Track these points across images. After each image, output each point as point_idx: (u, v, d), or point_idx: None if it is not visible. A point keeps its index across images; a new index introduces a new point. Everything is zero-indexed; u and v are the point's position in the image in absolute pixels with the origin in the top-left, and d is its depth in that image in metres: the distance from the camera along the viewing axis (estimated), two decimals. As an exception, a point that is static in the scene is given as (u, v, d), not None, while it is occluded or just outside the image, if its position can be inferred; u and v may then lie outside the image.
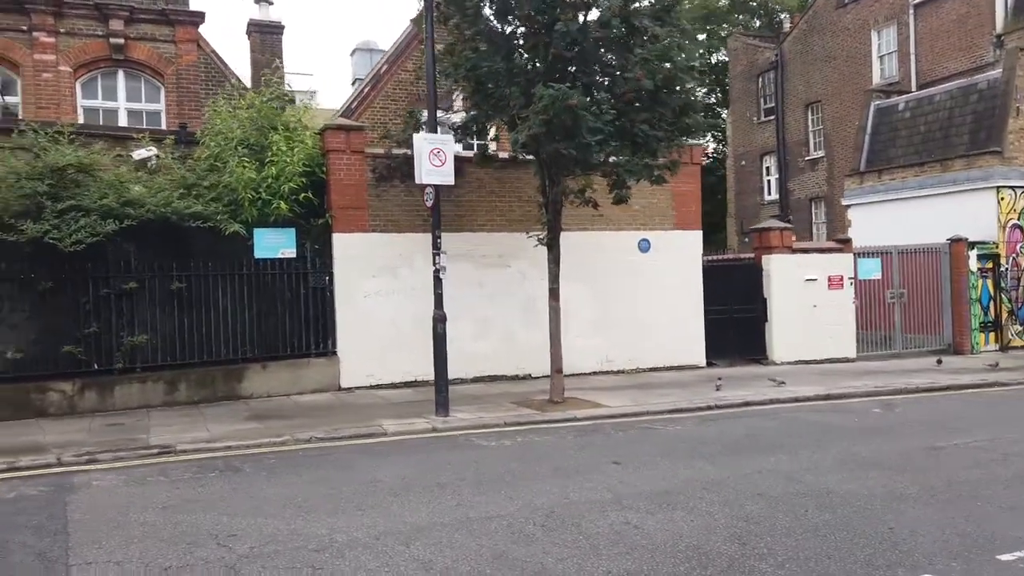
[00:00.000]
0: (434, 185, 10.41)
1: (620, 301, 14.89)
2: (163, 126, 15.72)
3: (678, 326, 15.31)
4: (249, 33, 24.29)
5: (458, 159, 13.49)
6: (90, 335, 11.00)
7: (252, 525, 5.63)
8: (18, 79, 15.20)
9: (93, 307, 11.06)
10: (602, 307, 14.80)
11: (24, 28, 15.06)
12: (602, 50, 9.39)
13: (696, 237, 15.71)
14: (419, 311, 13.47)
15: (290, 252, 12.58)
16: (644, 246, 15.23)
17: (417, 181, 10.48)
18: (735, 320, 16.16)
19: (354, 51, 29.86)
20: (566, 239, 14.37)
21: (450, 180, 10.50)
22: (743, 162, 33.62)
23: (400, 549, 5.07)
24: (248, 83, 19.13)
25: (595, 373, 14.62)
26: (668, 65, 9.45)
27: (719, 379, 13.02)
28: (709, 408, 11.12)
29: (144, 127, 14.39)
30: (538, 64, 9.66)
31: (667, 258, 15.35)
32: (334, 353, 12.92)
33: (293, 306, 12.59)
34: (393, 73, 18.67)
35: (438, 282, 10.61)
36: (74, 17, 15.38)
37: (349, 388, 12.98)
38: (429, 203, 10.63)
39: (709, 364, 15.68)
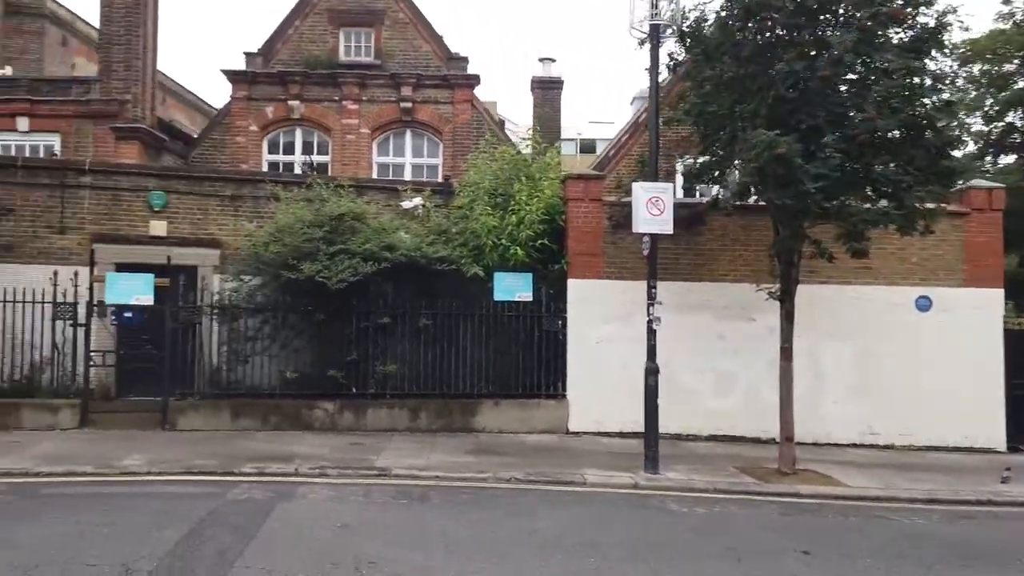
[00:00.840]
0: (652, 234, 10.14)
1: (889, 365, 13.05)
2: (439, 178, 17.47)
3: (968, 400, 12.94)
4: (532, 89, 26.18)
5: (696, 206, 13.15)
6: (350, 362, 12.48)
7: (396, 556, 5.92)
8: (329, 141, 18.01)
9: (355, 338, 12.54)
10: (865, 371, 13.10)
11: (336, 99, 17.85)
12: (829, 90, 8.41)
13: (995, 296, 13.23)
14: (651, 360, 13.19)
15: (526, 295, 13.07)
16: (923, 304, 13.21)
17: (634, 230, 10.32)
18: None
19: (633, 99, 30.51)
20: (822, 293, 13.17)
21: (668, 229, 10.16)
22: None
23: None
24: (529, 134, 20.50)
25: (853, 445, 12.93)
26: (924, 103, 8.18)
27: (1008, 469, 10.71)
28: (979, 503, 9.19)
29: (417, 180, 16.12)
30: (760, 107, 8.99)
31: (954, 319, 13.13)
32: (563, 396, 13.08)
33: (526, 347, 13.04)
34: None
35: (651, 333, 10.27)
36: (374, 87, 17.86)
37: (576, 432, 13.02)
38: (646, 252, 10.40)
39: (1013, 449, 12.98)
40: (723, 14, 9.24)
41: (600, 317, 13.25)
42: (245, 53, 18.13)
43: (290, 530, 6.54)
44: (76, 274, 11.94)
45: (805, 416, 13.15)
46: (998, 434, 13.04)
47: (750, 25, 8.99)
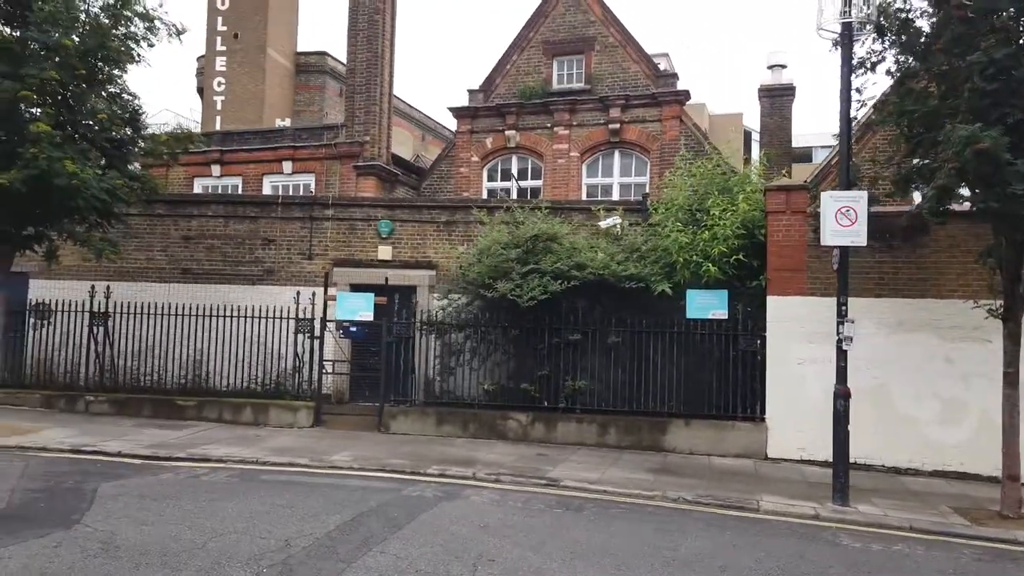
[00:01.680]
0: (843, 247, 9.41)
1: None
2: (653, 198, 17.53)
3: None
4: (760, 97, 25.15)
5: (915, 215, 11.83)
6: (542, 376, 13.03)
7: (517, 555, 6.25)
8: (542, 166, 18.91)
9: (547, 353, 13.07)
10: None
11: (548, 125, 18.73)
12: None
13: None
14: (861, 384, 12.00)
15: (721, 313, 12.67)
16: None
17: (822, 242, 9.64)
18: None
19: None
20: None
21: (861, 241, 9.33)
22: None
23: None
24: (757, 146, 19.82)
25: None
26: None
27: None
28: None
29: (610, 199, 16.35)
30: (960, 102, 7.92)
31: None
32: (762, 419, 12.44)
33: (720, 367, 12.62)
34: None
35: (841, 354, 9.50)
36: (583, 111, 18.47)
37: (776, 458, 12.30)
38: (835, 266, 9.64)
39: None
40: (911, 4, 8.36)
41: (802, 336, 12.43)
42: (468, 90, 19.74)
43: (435, 525, 7.14)
44: (314, 294, 13.87)
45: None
46: None
47: (940, 13, 8.04)
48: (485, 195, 18.99)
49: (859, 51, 10.00)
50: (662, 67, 21.46)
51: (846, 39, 9.52)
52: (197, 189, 19.68)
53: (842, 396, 9.42)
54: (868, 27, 9.49)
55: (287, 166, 18.56)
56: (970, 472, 11.50)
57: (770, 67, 25.56)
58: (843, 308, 9.50)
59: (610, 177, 18.44)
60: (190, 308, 14.39)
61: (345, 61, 18.90)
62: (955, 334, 11.77)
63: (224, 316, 14.22)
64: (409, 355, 13.68)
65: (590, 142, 18.34)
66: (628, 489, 9.45)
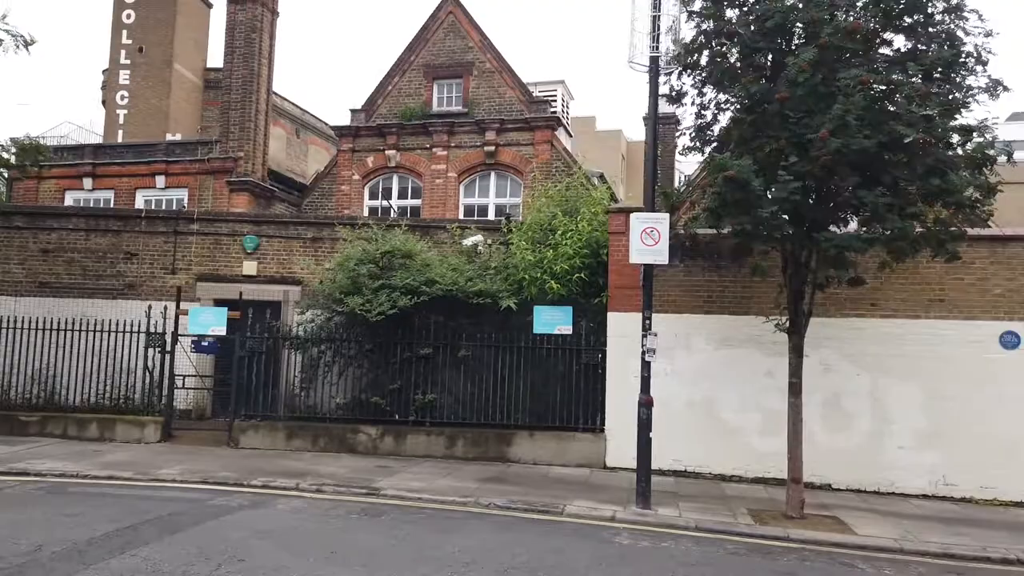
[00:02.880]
0: (646, 264, 10.03)
1: (967, 409, 11.65)
2: (520, 217, 18.07)
3: (1067, 451, 11.20)
4: (645, 125, 26.17)
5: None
6: (394, 390, 13.27)
7: (269, 557, 6.54)
8: (421, 185, 19.29)
9: (399, 367, 13.33)
10: (938, 414, 11.78)
11: (428, 146, 19.15)
12: (789, 112, 7.91)
13: (1103, 331, 11.40)
14: (693, 396, 12.77)
15: (566, 329, 13.19)
16: (1010, 341, 11.69)
17: (630, 260, 10.24)
18: None
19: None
20: (886, 328, 12.11)
21: (663, 259, 9.97)
22: None
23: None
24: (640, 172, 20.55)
25: (923, 496, 11.62)
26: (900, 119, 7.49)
27: (1074, 531, 9.19)
28: (1004, 561, 8.02)
29: (468, 219, 16.83)
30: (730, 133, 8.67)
31: (1049, 358, 11.48)
32: (602, 431, 12.95)
33: (565, 380, 13.11)
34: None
35: (645, 365, 10.08)
36: (461, 133, 18.97)
37: (614, 468, 12.80)
38: (641, 283, 10.25)
39: None
40: (690, 43, 9.11)
41: (639, 351, 12.99)
42: (351, 110, 20.02)
43: (214, 531, 7.28)
44: (165, 308, 13.80)
45: (865, 462, 12.08)
46: (1108, 493, 11.13)
47: (708, 51, 8.80)
48: (366, 212, 19.21)
49: (675, 83, 10.74)
50: (559, 94, 22.25)
51: (653, 72, 10.22)
52: (68, 202, 19.29)
53: (645, 405, 9.98)
54: (674, 63, 10.20)
55: (160, 180, 18.41)
56: (785, 478, 12.22)
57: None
58: (647, 322, 10.09)
59: (486, 197, 18.95)
60: (39, 322, 14.11)
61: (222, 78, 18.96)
62: (775, 349, 12.46)
63: (74, 330, 13.99)
64: (267, 370, 13.71)
65: (467, 163, 18.83)
66: (446, 496, 9.75)
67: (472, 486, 10.53)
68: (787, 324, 9.93)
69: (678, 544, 7.97)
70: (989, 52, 8.87)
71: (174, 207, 18.12)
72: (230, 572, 5.99)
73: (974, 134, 8.92)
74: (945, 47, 8.61)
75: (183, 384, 13.91)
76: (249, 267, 15.54)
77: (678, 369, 12.88)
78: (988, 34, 8.59)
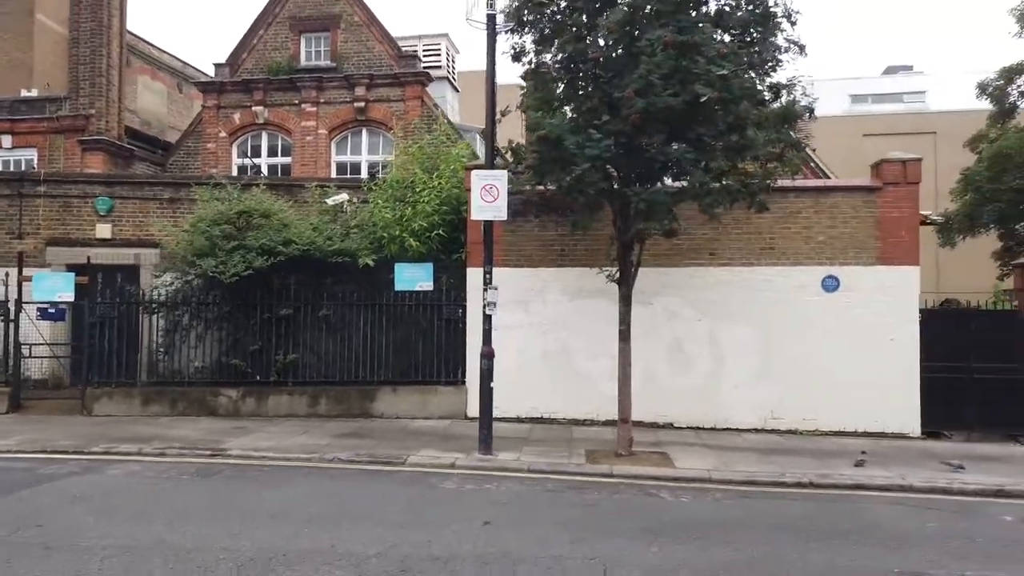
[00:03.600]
0: (486, 220, 10.32)
1: (794, 349, 12.60)
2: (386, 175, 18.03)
3: (880, 383, 12.31)
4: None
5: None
6: (254, 351, 13.25)
7: (73, 521, 6.57)
8: (292, 143, 18.93)
9: (259, 328, 13.29)
10: (769, 354, 12.69)
11: (296, 102, 18.75)
12: (600, 71, 8.29)
13: (910, 274, 12.49)
14: (548, 346, 13.29)
15: (427, 285, 13.41)
16: (830, 285, 12.65)
17: (471, 217, 10.51)
18: (979, 382, 12.38)
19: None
20: (723, 276, 12.89)
21: (503, 216, 10.29)
22: None
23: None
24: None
25: (754, 430, 12.57)
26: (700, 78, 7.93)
27: (863, 452, 10.26)
28: (798, 485, 8.88)
29: (342, 176, 16.73)
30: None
31: (864, 299, 12.52)
32: (463, 383, 13.36)
33: (427, 335, 13.39)
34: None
35: (486, 318, 10.43)
36: (331, 89, 18.64)
37: (475, 418, 13.17)
38: (482, 238, 10.56)
39: (930, 435, 12.31)
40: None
41: (499, 305, 13.42)
42: (214, 64, 19.30)
43: (25, 500, 7.27)
44: (7, 275, 13.22)
45: (704, 401, 12.95)
46: (912, 419, 12.34)
47: (538, 9, 9.03)
48: (235, 171, 18.72)
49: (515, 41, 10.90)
50: (443, 47, 21.99)
51: (491, 30, 10.35)
52: (-96, 164, 17.97)
53: (486, 356, 10.35)
54: (509, 19, 10.35)
55: (6, 140, 17.37)
56: (636, 419, 12.92)
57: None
58: (487, 276, 10.42)
59: (359, 155, 18.78)
60: None
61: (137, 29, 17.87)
62: (624, 298, 13.16)
63: (-92, 301, 13.25)
64: (120, 336, 13.38)
65: (338, 120, 18.57)
66: (292, 453, 9.94)
67: (324, 442, 10.75)
68: (616, 275, 10.43)
69: (501, 485, 8.46)
70: (796, 12, 9.46)
71: (23, 168, 17.17)
72: (25, 537, 6.03)
73: (783, 92, 9.56)
74: (756, 8, 9.11)
75: (31, 353, 13.44)
76: (103, 230, 15.00)
77: (534, 320, 13.37)
78: None
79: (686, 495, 8.24)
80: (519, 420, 13.11)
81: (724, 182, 9.09)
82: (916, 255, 12.58)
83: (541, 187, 11.05)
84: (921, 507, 7.95)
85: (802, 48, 9.79)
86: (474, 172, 10.41)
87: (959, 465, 9.81)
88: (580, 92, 8.65)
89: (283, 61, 18.85)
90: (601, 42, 8.26)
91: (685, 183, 9.28)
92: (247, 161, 18.59)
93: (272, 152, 19.08)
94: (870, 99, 50.38)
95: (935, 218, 15.61)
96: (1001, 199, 21.08)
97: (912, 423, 12.36)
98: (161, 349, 13.56)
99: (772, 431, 12.54)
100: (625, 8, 8.07)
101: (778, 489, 8.84)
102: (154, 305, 13.38)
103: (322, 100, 18.58)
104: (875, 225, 12.61)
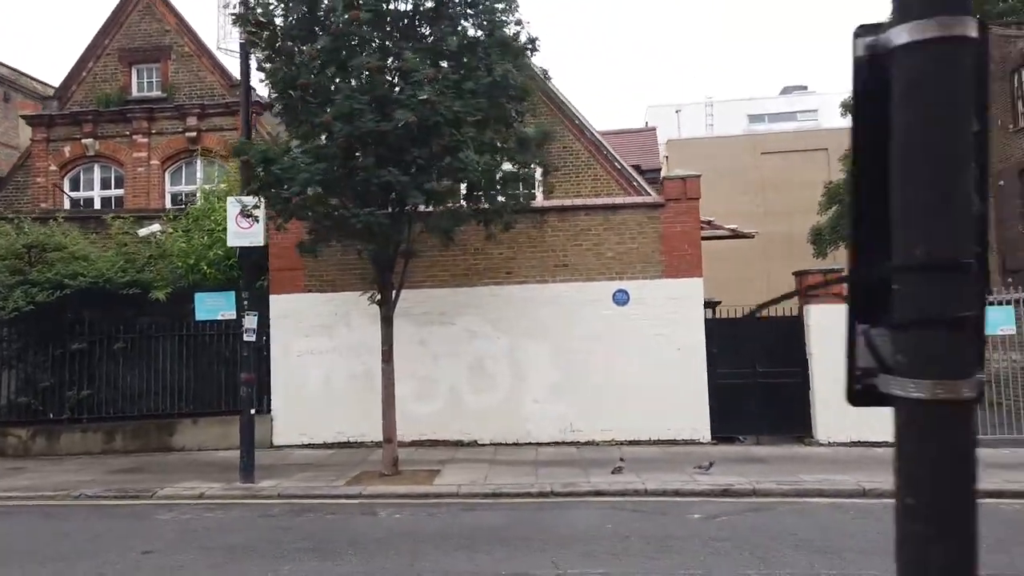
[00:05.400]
0: (242, 247, 10.33)
1: (589, 362, 12.93)
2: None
3: (671, 392, 12.71)
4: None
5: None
6: (45, 388, 12.87)
7: None
8: (124, 174, 18.59)
9: (51, 364, 12.92)
10: (566, 368, 12.98)
11: (127, 133, 18.45)
12: (307, 96, 8.50)
13: (694, 286, 12.99)
14: (354, 369, 13.29)
15: (230, 314, 13.20)
16: (620, 298, 13.05)
17: (228, 243, 10.51)
18: (765, 387, 12.89)
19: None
20: (519, 293, 13.15)
21: (258, 242, 10.33)
22: (1001, 182, 26.73)
23: None
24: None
25: (555, 443, 12.81)
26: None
27: (622, 459, 10.56)
28: (552, 494, 9.07)
29: (142, 208, 16.52)
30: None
31: (653, 311, 12.95)
32: (268, 411, 13.23)
33: (230, 364, 13.23)
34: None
35: (245, 345, 10.39)
36: (162, 119, 18.41)
37: (280, 445, 13.16)
38: (238, 263, 10.55)
39: (721, 439, 12.74)
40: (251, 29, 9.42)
41: (302, 331, 13.41)
42: (42, 97, 18.85)
43: None
44: None
45: (506, 418, 13.12)
46: (702, 425, 12.78)
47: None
48: (68, 204, 18.27)
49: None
50: None
51: (244, 57, 10.43)
52: None
53: (246, 383, 10.29)
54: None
55: None
56: (441, 439, 13.07)
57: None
58: (244, 303, 10.38)
59: (194, 184, 18.56)
60: None
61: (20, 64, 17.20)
62: (426, 319, 13.30)
63: None
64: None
65: (171, 149, 18.32)
66: (41, 492, 9.67)
67: (89, 479, 10.48)
68: (378, 297, 10.54)
69: (228, 512, 8.42)
70: (535, 39, 9.83)
71: None
72: None
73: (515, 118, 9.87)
74: (489, 35, 9.42)
75: None
76: (-102, 269, 14.38)
77: (339, 345, 13.38)
78: (519, 23, 9.48)
79: (407, 511, 8.31)
80: (326, 445, 13.06)
81: (451, 205, 9.32)
82: (699, 267, 13.10)
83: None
84: (626, 510, 8.21)
85: (545, 73, 10.17)
86: (229, 199, 10.41)
87: (708, 467, 10.17)
88: (296, 117, 8.80)
89: (113, 93, 18.55)
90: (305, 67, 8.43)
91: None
92: (71, 194, 18.17)
93: (105, 185, 18.69)
94: (767, 118, 52.47)
95: (743, 230, 16.28)
96: None
97: (702, 429, 12.78)
98: (-49, 391, 13.04)
99: (572, 443, 12.80)
100: (330, 36, 8.26)
101: (520, 500, 9.01)
102: (-65, 345, 12.90)
103: (154, 131, 18.34)
104: (659, 240, 13.09)
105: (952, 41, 1.27)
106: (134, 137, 18.37)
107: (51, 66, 73.61)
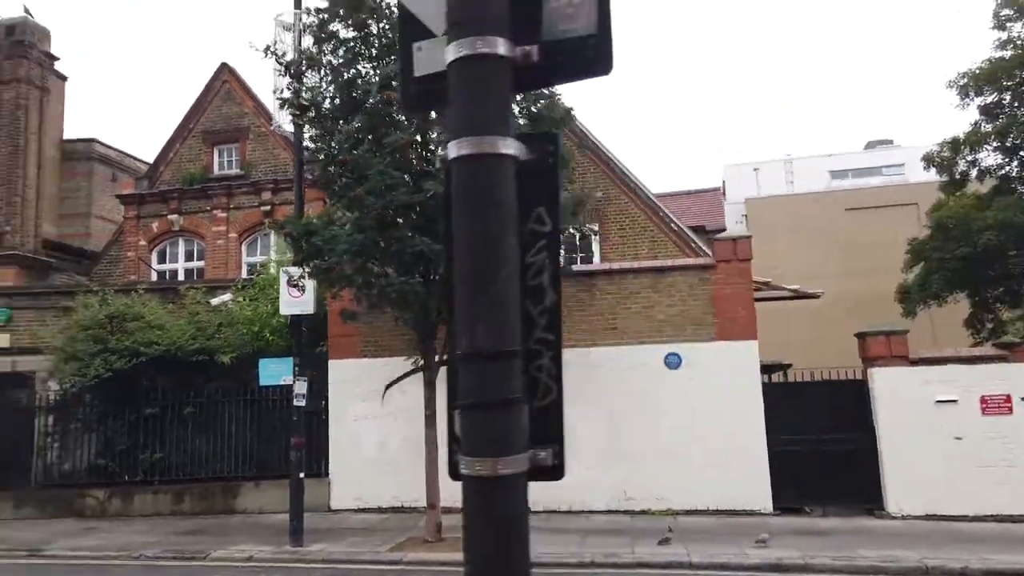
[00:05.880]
0: (294, 315, 10.80)
1: (642, 428, 12.72)
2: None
3: (728, 460, 12.33)
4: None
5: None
6: (121, 451, 13.60)
7: None
8: (205, 247, 19.80)
9: (127, 428, 13.68)
10: (616, 434, 12.81)
11: (208, 209, 19.71)
12: (344, 172, 9.02)
13: (749, 349, 12.70)
14: (408, 434, 13.44)
15: (290, 379, 13.79)
16: (673, 361, 12.87)
17: (281, 312, 11.00)
18: (830, 454, 12.32)
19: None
20: (566, 357, 13.05)
21: (309, 310, 10.81)
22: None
23: None
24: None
25: (608, 511, 12.55)
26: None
27: (670, 530, 10.24)
28: (592, 565, 8.97)
29: (215, 279, 17.42)
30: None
31: (706, 375, 12.70)
32: (325, 475, 13.53)
33: (292, 429, 13.64)
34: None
35: (296, 410, 10.74)
36: (240, 195, 19.60)
37: (337, 509, 13.39)
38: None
39: (786, 510, 12.19)
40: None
41: (358, 395, 13.74)
42: (135, 178, 20.45)
43: None
44: None
45: (558, 484, 12.80)
46: (763, 495, 12.28)
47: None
48: (155, 277, 19.56)
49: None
50: None
51: (298, 139, 11.12)
52: None
53: (296, 448, 10.61)
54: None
55: (-71, 256, 18.41)
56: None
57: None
58: (296, 369, 10.78)
59: (268, 254, 19.57)
60: None
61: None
62: (478, 384, 13.41)
63: None
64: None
65: (247, 223, 19.45)
66: (107, 552, 10.18)
67: (154, 540, 10.94)
68: (421, 362, 10.76)
69: (268, 575, 8.60)
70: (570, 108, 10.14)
71: (-57, 283, 18.10)
72: None
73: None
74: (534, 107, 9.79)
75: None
76: (1, 339, 15.68)
77: (393, 410, 13.59)
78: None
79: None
80: (381, 510, 13.21)
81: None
82: (753, 330, 12.80)
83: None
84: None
85: (568, 112, 10.40)
86: (281, 269, 10.95)
87: (765, 540, 9.75)
88: (335, 192, 9.31)
89: (196, 172, 19.95)
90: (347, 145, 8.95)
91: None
92: (157, 267, 19.45)
93: (188, 257, 19.95)
94: (850, 174, 51.15)
95: (806, 291, 15.82)
96: (947, 268, 21.12)
97: (763, 499, 12.29)
98: (39, 452, 13.94)
99: (625, 512, 12.51)
100: (365, 115, 8.78)
101: (558, 570, 8.90)
102: (41, 409, 13.89)
103: (232, 206, 19.53)
104: (711, 302, 12.91)
105: (491, 158, 1.44)
106: (214, 212, 19.59)
107: (148, 147, 79.29)
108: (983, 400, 11.84)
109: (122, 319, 13.91)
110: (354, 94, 9.03)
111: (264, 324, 13.72)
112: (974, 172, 21.64)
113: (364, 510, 13.26)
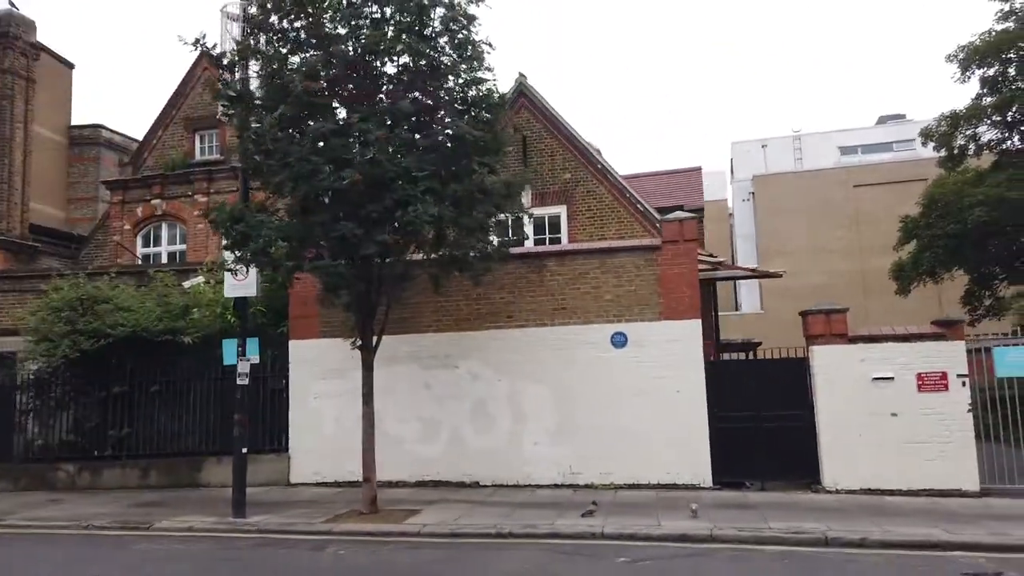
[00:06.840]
0: (237, 298, 11.19)
1: (588, 404, 13.00)
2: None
3: (670, 435, 12.61)
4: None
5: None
6: (91, 427, 14.18)
7: None
8: (187, 230, 20.31)
9: (95, 405, 14.24)
10: (565, 411, 13.11)
11: (190, 193, 20.20)
12: (266, 159, 9.32)
13: (693, 328, 12.89)
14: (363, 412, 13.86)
15: (254, 359, 14.22)
16: (618, 340, 13.11)
17: (225, 295, 11.40)
18: (770, 431, 12.53)
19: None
20: (519, 337, 13.43)
21: (252, 293, 11.18)
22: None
23: None
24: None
25: (554, 486, 12.89)
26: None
27: (594, 503, 10.55)
28: (510, 535, 9.26)
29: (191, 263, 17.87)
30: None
31: (651, 353, 12.94)
32: (285, 451, 14.01)
33: (256, 407, 14.13)
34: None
35: (239, 388, 11.16)
36: (220, 180, 20.06)
37: (296, 483, 13.88)
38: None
39: (724, 485, 12.45)
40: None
41: (317, 374, 14.17)
42: (119, 164, 20.98)
43: None
44: None
45: (507, 459, 13.32)
46: (703, 469, 12.53)
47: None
48: (139, 260, 20.12)
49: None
50: None
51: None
52: None
53: (239, 424, 11.04)
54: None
55: (-84, 242, 19.09)
56: (444, 480, 13.41)
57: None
58: (241, 348, 11.19)
59: (247, 239, 20.08)
60: None
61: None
62: (432, 363, 13.80)
63: None
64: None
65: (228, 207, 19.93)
66: (59, 522, 10.72)
67: (108, 511, 11.47)
68: (360, 342, 11.12)
69: (195, 544, 9.13)
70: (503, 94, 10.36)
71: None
72: None
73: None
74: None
75: None
76: (-17, 321, 16.32)
77: (351, 388, 13.92)
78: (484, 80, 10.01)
79: (355, 548, 8.75)
80: (337, 484, 13.64)
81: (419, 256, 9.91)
82: (697, 309, 12.99)
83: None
84: (564, 552, 8.37)
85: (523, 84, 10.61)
86: (225, 253, 11.34)
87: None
88: (262, 178, 9.65)
89: (178, 157, 20.44)
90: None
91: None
92: (142, 250, 20.02)
93: (171, 241, 20.49)
94: (859, 150, 50.40)
95: (769, 270, 15.92)
96: (937, 245, 20.92)
97: (703, 474, 12.54)
98: (13, 428, 14.57)
99: (570, 486, 12.84)
100: (288, 104, 9.08)
101: (476, 540, 9.22)
102: (16, 388, 14.50)
103: (212, 190, 20.00)
104: (657, 282, 13.11)
105: None
106: (195, 197, 20.08)
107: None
108: (919, 377, 11.96)
109: (92, 302, 14.42)
110: (278, 82, 9.34)
111: (226, 306, 14.14)
112: (972, 147, 21.22)
113: (322, 484, 13.72)
